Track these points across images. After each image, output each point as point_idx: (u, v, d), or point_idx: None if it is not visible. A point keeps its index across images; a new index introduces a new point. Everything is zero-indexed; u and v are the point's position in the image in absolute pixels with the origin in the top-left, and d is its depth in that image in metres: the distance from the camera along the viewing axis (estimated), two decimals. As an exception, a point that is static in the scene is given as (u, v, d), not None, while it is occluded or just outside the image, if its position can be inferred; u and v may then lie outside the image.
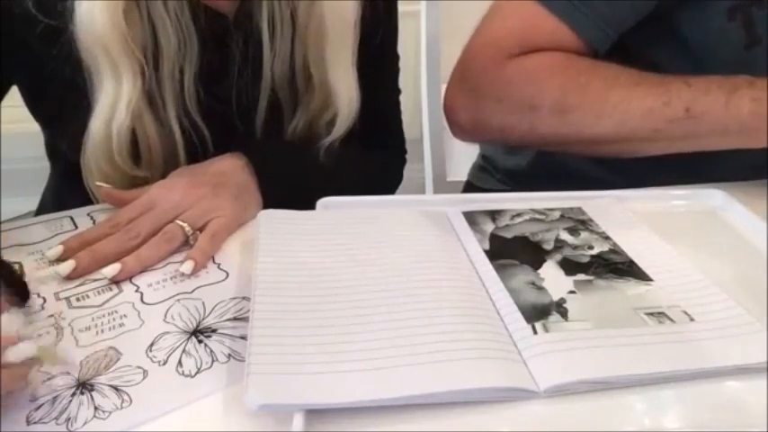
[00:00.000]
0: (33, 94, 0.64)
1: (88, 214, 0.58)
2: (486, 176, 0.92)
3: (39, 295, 0.47)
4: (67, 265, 0.49)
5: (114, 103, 0.57)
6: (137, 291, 0.48)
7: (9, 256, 0.52)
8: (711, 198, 0.61)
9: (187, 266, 0.49)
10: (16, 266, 0.50)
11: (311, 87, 0.65)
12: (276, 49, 0.63)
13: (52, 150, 0.73)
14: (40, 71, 0.59)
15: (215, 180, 0.58)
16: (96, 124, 0.57)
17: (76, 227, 0.57)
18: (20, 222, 0.58)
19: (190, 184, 0.56)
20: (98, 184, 0.58)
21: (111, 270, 0.49)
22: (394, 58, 0.76)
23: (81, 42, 0.55)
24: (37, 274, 0.50)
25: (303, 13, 0.62)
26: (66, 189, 0.66)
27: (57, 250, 0.51)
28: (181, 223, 0.53)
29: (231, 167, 0.60)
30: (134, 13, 0.57)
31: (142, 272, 0.50)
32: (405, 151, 0.83)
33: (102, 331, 0.44)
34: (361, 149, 0.70)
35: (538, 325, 0.42)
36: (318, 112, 0.66)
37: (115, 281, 0.49)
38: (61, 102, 0.61)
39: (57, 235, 0.55)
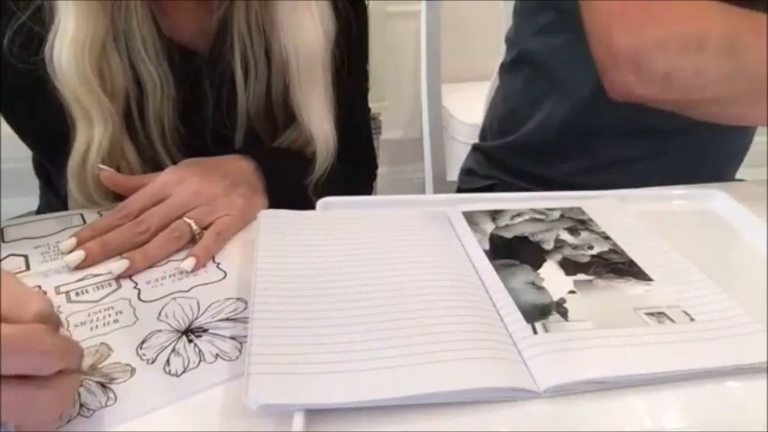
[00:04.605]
0: (20, 126, 0.65)
1: (98, 212, 0.58)
2: (473, 178, 0.93)
3: (40, 288, 0.47)
4: (77, 256, 0.49)
5: (87, 146, 0.58)
6: (135, 287, 0.48)
7: (15, 249, 0.52)
8: (711, 198, 0.61)
9: (189, 263, 0.50)
10: (21, 259, 0.51)
11: (292, 123, 0.66)
12: (250, 86, 0.64)
13: (40, 169, 0.74)
14: (24, 106, 0.60)
15: (228, 179, 0.58)
16: (72, 165, 0.59)
17: (85, 223, 0.57)
18: (30, 218, 0.58)
19: (203, 181, 0.56)
20: (100, 166, 0.58)
21: (119, 267, 0.49)
22: (364, 77, 0.77)
23: (57, 88, 0.56)
24: (41, 267, 0.50)
25: (277, 52, 0.62)
26: (59, 203, 0.67)
27: (70, 242, 0.51)
28: (188, 221, 0.53)
29: (243, 168, 0.60)
30: (113, 59, 0.58)
31: None
32: (376, 167, 0.85)
33: (97, 327, 0.44)
34: (344, 166, 0.70)
35: (538, 325, 0.42)
36: (301, 147, 0.67)
37: (120, 277, 0.49)
38: (47, 135, 0.62)
39: (65, 229, 0.55)
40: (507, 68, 0.89)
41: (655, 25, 0.57)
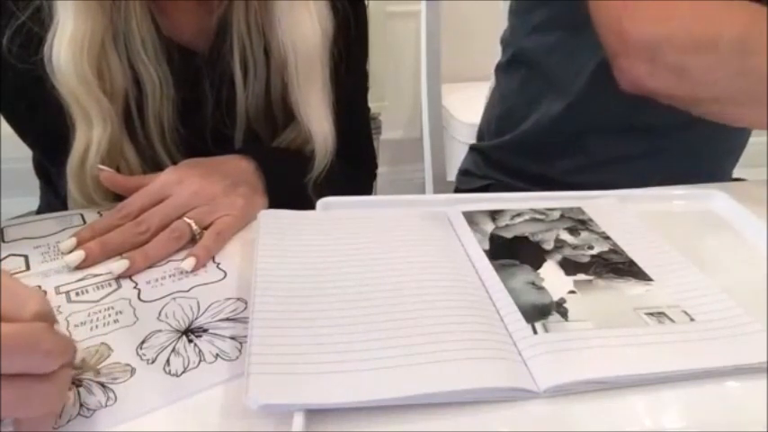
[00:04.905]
0: (20, 126, 0.65)
1: (98, 212, 0.59)
2: (470, 179, 0.93)
3: (40, 288, 0.47)
4: (77, 256, 0.49)
5: (86, 146, 0.58)
6: (135, 287, 0.48)
7: (15, 249, 0.52)
8: (711, 198, 0.61)
9: (188, 263, 0.50)
10: (21, 259, 0.51)
11: (292, 123, 0.66)
12: (249, 86, 0.64)
13: (40, 169, 0.74)
14: (24, 106, 0.60)
15: (228, 179, 0.58)
16: (71, 166, 0.59)
17: (85, 223, 0.57)
18: (30, 218, 0.58)
19: (203, 181, 0.56)
20: (99, 167, 0.58)
21: (119, 267, 0.49)
22: (363, 77, 0.77)
23: (57, 89, 0.56)
24: (41, 267, 0.50)
25: (276, 50, 0.62)
26: (59, 203, 0.67)
27: (70, 242, 0.51)
28: (188, 221, 0.53)
29: (243, 168, 0.61)
30: (112, 59, 0.58)
31: None
32: (376, 167, 0.85)
33: (97, 327, 0.44)
34: (344, 165, 0.70)
35: (538, 325, 0.42)
36: (300, 145, 0.67)
37: (120, 277, 0.49)
38: (47, 135, 0.62)
39: (65, 229, 0.55)
40: (503, 69, 0.89)
41: (668, 17, 0.56)
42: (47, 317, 0.34)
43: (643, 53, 0.57)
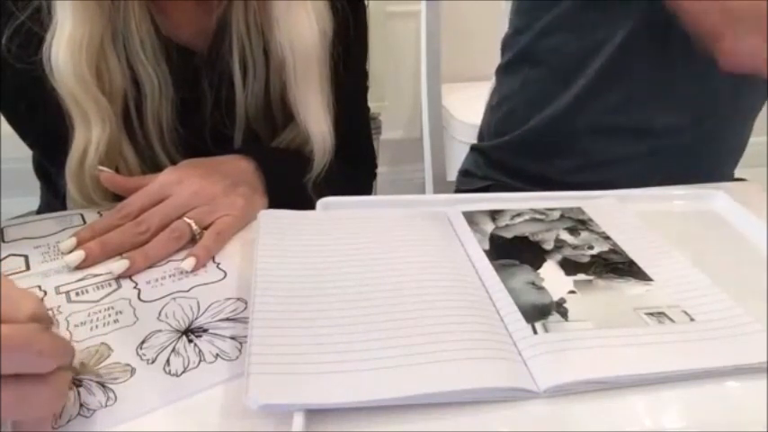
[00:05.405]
0: (20, 126, 0.65)
1: (98, 212, 0.59)
2: (471, 180, 0.94)
3: (40, 288, 0.47)
4: (77, 256, 0.49)
5: (85, 147, 0.58)
6: (135, 287, 0.48)
7: (15, 250, 0.52)
8: (711, 198, 0.61)
9: (188, 263, 0.50)
10: (21, 259, 0.51)
11: (291, 123, 0.66)
12: (249, 86, 0.64)
13: (40, 169, 0.74)
14: (24, 106, 0.60)
15: (228, 179, 0.58)
16: (70, 166, 0.59)
17: (85, 223, 0.57)
18: (30, 218, 0.58)
19: (203, 181, 0.56)
20: (99, 168, 0.58)
21: (119, 267, 0.49)
22: (363, 76, 0.77)
23: (56, 89, 0.56)
24: (41, 267, 0.50)
25: (275, 50, 0.62)
26: (59, 203, 0.67)
27: (70, 242, 0.51)
28: (188, 221, 0.53)
29: (243, 168, 0.61)
30: (111, 59, 0.58)
31: None
32: (376, 167, 0.85)
33: (97, 327, 0.44)
34: (343, 165, 0.70)
35: (538, 325, 0.42)
36: (300, 145, 0.67)
37: (120, 277, 0.49)
38: (47, 135, 0.62)
39: (65, 229, 0.55)
40: (503, 71, 0.89)
41: None
42: (42, 318, 0.34)
43: (753, 24, 0.54)
